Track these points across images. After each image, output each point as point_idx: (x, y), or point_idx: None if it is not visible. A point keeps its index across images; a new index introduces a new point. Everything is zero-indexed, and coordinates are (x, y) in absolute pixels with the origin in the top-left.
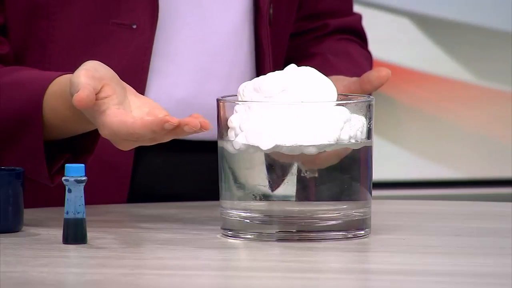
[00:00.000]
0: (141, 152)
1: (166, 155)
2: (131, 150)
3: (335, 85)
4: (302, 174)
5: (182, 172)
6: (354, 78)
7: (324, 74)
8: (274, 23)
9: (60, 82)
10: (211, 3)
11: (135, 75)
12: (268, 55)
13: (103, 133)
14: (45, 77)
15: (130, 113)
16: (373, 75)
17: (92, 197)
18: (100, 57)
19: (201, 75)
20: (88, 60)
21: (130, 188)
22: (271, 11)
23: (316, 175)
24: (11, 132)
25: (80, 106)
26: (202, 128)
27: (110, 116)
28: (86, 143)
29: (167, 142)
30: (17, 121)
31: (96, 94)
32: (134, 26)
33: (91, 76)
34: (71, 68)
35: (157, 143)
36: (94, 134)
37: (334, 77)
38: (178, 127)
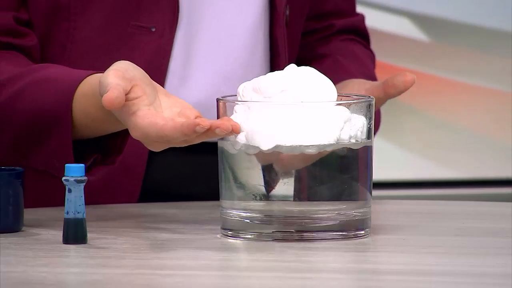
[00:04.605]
0: (154, 152)
1: (180, 155)
2: (144, 150)
3: (357, 89)
4: (278, 176)
5: (196, 172)
6: (377, 82)
7: (337, 77)
8: (290, 24)
9: (91, 82)
10: (228, 6)
11: (153, 77)
12: (284, 56)
13: (134, 134)
14: (75, 76)
15: (161, 115)
16: (398, 79)
17: (105, 196)
18: (119, 59)
19: (218, 77)
20: (107, 62)
21: (143, 188)
22: (287, 12)
23: (293, 177)
24: (39, 131)
25: (109, 107)
26: (233, 131)
27: (140, 117)
28: (115, 142)
29: None
30: (46, 120)
31: (126, 95)
32: (153, 29)
33: (121, 77)
34: (91, 70)
35: (189, 144)
36: (123, 134)
37: (356, 80)
38: (209, 129)
